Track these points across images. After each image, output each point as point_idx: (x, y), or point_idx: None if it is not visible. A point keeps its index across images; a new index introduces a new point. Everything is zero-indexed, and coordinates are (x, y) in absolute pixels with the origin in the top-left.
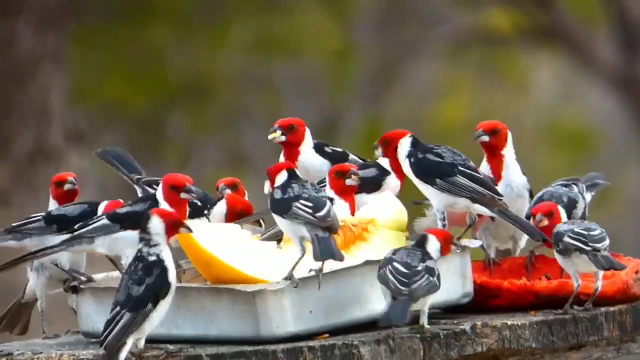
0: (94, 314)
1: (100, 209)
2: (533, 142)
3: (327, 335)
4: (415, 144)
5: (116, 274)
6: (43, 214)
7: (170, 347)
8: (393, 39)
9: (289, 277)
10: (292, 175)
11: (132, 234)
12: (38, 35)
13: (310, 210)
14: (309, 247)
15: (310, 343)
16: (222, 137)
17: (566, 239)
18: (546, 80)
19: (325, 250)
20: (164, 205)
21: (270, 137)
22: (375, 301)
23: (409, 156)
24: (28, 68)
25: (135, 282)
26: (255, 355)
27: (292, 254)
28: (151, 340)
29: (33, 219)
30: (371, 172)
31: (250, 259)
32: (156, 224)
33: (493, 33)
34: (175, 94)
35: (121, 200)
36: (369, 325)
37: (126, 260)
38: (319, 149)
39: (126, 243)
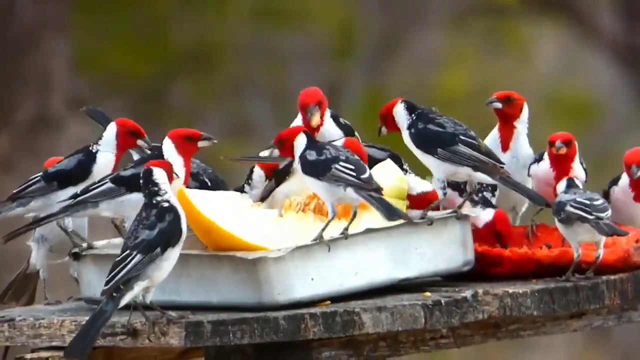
0: (96, 281)
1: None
2: (535, 112)
3: (329, 302)
4: (410, 108)
5: (118, 240)
6: (40, 174)
7: (172, 313)
8: (396, 8)
9: (319, 239)
10: (311, 139)
11: (139, 196)
12: (40, 3)
13: (353, 173)
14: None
15: (312, 310)
16: (225, 107)
17: (568, 208)
18: (549, 50)
19: (391, 210)
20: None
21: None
22: (377, 269)
23: (409, 127)
24: (30, 35)
25: (146, 227)
26: (256, 322)
27: (292, 221)
28: (152, 307)
29: (32, 181)
30: (382, 154)
31: (251, 226)
32: (159, 173)
33: (496, 2)
34: (179, 63)
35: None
36: (370, 292)
37: (129, 223)
38: (334, 118)
39: (132, 205)
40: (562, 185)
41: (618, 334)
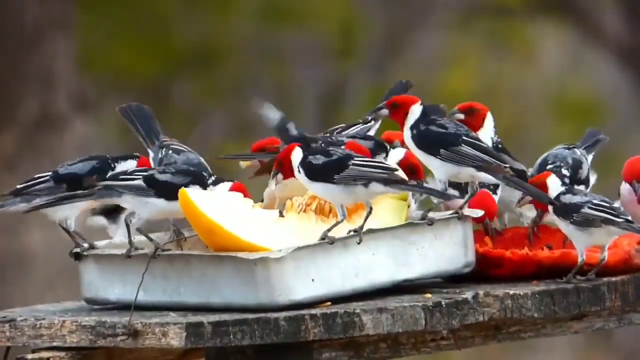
0: (97, 281)
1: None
2: (539, 112)
3: (329, 303)
4: (424, 113)
5: (118, 240)
6: (49, 173)
7: (172, 314)
8: (399, 8)
9: (324, 237)
10: (308, 148)
11: (163, 204)
12: (44, 1)
13: (375, 164)
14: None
15: (313, 311)
16: (229, 106)
17: (587, 210)
18: (553, 50)
19: (442, 193)
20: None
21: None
22: (378, 270)
23: (412, 128)
24: (34, 34)
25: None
26: (257, 322)
27: (294, 221)
28: (153, 308)
29: (40, 179)
30: (367, 143)
31: (252, 226)
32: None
33: (500, 2)
34: (182, 62)
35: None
36: (371, 293)
37: (139, 221)
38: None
39: (154, 209)
40: (555, 183)
41: (619, 336)
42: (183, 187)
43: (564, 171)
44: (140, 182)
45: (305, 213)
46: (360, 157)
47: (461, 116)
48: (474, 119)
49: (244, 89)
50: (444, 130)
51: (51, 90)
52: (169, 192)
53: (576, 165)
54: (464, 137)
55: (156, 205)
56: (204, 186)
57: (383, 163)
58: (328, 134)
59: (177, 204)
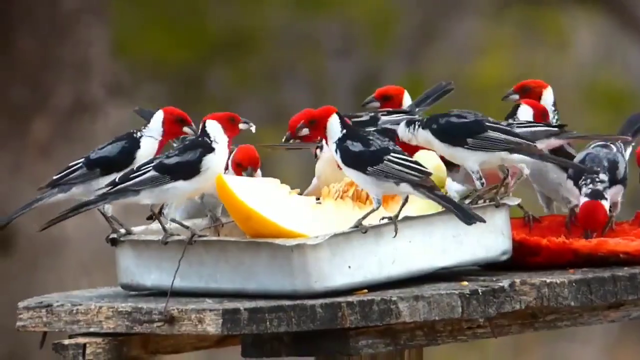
0: (133, 267)
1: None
2: (573, 102)
3: (366, 290)
4: (342, 121)
5: (155, 226)
6: (82, 159)
7: (208, 300)
8: None
9: (357, 225)
10: (345, 122)
11: (183, 184)
12: None
13: (410, 165)
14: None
15: (349, 298)
16: (263, 93)
17: None
18: (587, 39)
19: (467, 213)
20: (219, 150)
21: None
22: (414, 257)
23: (425, 126)
24: (69, 20)
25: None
26: (293, 309)
27: (331, 208)
28: (189, 294)
29: (73, 167)
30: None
31: (289, 213)
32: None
33: None
34: (216, 49)
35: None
36: (407, 281)
37: (168, 209)
38: None
39: (176, 193)
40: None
41: None
42: (220, 173)
43: (602, 176)
44: (152, 173)
45: (342, 200)
46: (397, 154)
47: (516, 97)
48: (529, 97)
49: (278, 76)
50: (465, 120)
51: (85, 76)
52: (184, 171)
53: (612, 167)
54: (487, 123)
55: (177, 189)
56: (212, 150)
57: (419, 165)
58: (373, 114)
59: (198, 181)
